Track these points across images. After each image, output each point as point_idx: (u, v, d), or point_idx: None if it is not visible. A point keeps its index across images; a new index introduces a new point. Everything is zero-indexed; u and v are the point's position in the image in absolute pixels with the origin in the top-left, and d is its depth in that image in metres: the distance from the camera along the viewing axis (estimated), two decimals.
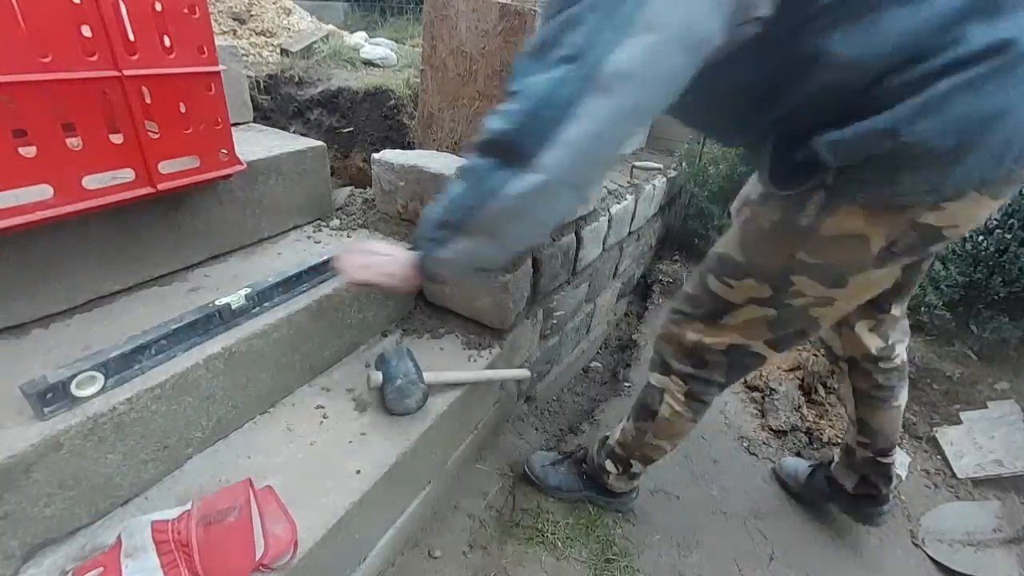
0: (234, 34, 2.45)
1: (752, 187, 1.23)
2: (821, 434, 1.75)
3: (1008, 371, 1.96)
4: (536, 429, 1.77)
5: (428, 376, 1.23)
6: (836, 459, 1.44)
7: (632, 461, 1.31)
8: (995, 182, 0.74)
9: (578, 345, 2.13)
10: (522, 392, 1.78)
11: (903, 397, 1.27)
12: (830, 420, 1.82)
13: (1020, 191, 1.90)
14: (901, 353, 1.22)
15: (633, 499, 1.46)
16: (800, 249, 0.86)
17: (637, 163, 2.31)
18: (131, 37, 0.92)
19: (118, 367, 0.90)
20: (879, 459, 1.31)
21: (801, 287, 0.90)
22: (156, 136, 1.00)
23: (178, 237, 1.21)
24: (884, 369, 1.22)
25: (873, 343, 1.19)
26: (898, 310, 1.17)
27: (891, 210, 0.78)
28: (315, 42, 2.53)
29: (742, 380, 2.01)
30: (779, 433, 1.78)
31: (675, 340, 1.11)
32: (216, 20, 2.37)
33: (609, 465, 1.36)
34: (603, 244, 1.93)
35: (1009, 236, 1.88)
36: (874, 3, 0.65)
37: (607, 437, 1.38)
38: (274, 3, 2.67)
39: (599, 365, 2.27)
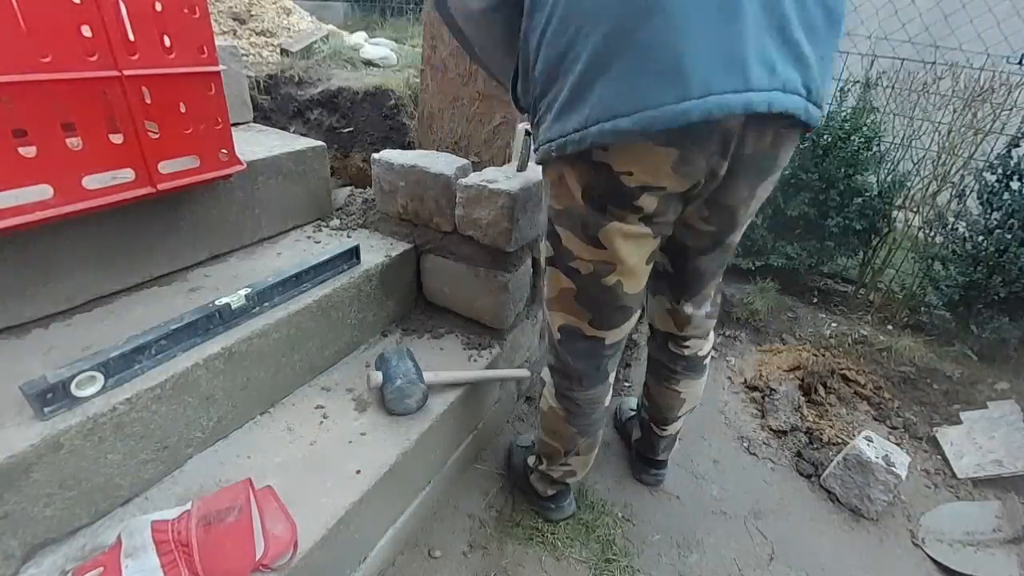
0: (234, 34, 2.45)
1: None
2: (821, 434, 1.75)
3: (1008, 371, 1.96)
4: (536, 429, 1.76)
5: (428, 376, 1.23)
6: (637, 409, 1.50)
7: (541, 456, 1.29)
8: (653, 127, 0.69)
9: None
10: (522, 392, 1.78)
11: (687, 388, 1.26)
12: (830, 420, 1.82)
13: (1020, 191, 1.90)
14: (694, 347, 1.21)
15: (553, 510, 1.35)
16: (548, 194, 0.91)
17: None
18: (131, 37, 0.92)
19: (118, 367, 0.90)
20: (653, 426, 1.37)
21: (567, 242, 0.91)
22: (156, 136, 1.01)
23: (178, 237, 1.21)
24: (671, 351, 1.23)
25: (667, 325, 1.20)
26: (689, 307, 1.13)
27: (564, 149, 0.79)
28: (315, 42, 2.53)
29: (743, 381, 2.01)
30: (779, 433, 1.78)
31: (547, 331, 1.11)
32: (216, 20, 2.37)
33: (530, 458, 1.37)
34: None
35: (1009, 236, 1.88)
36: None
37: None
38: (274, 3, 2.67)
39: None
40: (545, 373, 1.17)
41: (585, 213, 0.85)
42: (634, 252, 0.88)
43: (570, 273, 0.94)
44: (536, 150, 0.85)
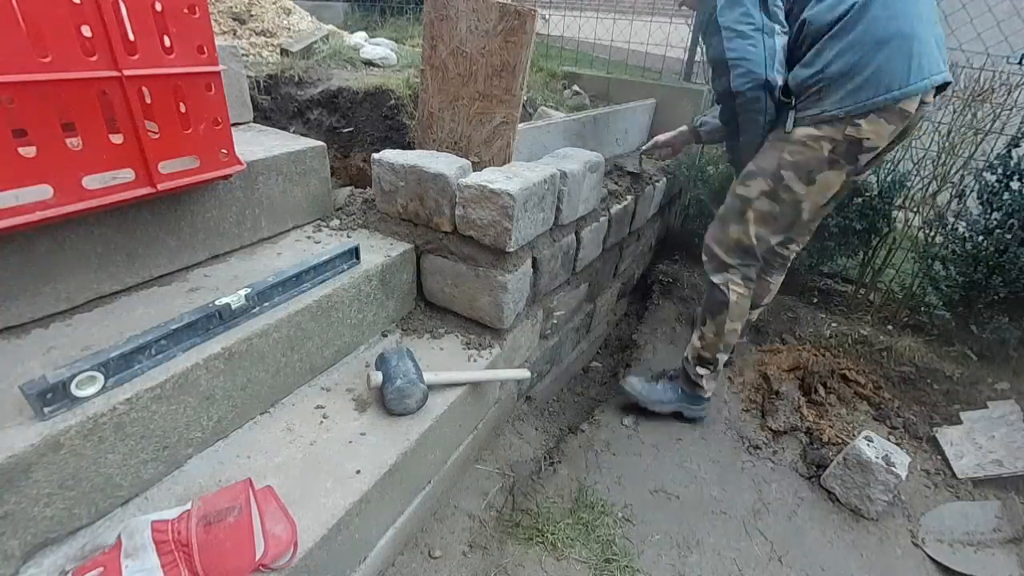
0: (234, 34, 2.44)
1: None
2: (821, 434, 1.75)
3: (1008, 371, 1.96)
4: (536, 429, 1.77)
5: (428, 376, 1.23)
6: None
7: (717, 356, 1.69)
8: (885, 109, 1.29)
9: (578, 345, 2.13)
10: (522, 392, 1.78)
11: (776, 280, 1.98)
12: (830, 420, 1.82)
13: (1020, 191, 1.90)
14: (792, 251, 1.89)
15: (709, 402, 1.81)
16: (784, 151, 1.42)
17: (644, 148, 2.43)
18: (131, 37, 0.92)
19: (118, 367, 0.90)
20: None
21: (788, 181, 1.43)
22: (156, 136, 1.00)
23: (178, 237, 1.21)
24: (777, 251, 1.86)
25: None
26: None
27: (828, 123, 1.34)
28: (315, 42, 2.52)
29: (743, 381, 2.02)
30: (779, 433, 1.78)
31: (723, 241, 1.60)
32: (216, 20, 2.37)
33: (700, 370, 1.72)
34: (603, 244, 1.93)
35: (1009, 236, 1.88)
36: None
37: (686, 356, 1.76)
38: (274, 3, 2.66)
39: (599, 365, 2.27)
40: (723, 276, 1.62)
41: (822, 163, 1.39)
42: (829, 192, 1.46)
43: (778, 201, 1.47)
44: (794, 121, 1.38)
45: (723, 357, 1.70)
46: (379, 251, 1.43)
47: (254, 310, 1.12)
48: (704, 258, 1.68)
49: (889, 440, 1.68)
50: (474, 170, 1.44)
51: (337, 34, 2.73)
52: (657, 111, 2.88)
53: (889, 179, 2.19)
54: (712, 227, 1.65)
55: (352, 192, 1.72)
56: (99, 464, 0.88)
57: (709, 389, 1.75)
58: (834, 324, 2.26)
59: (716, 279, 1.63)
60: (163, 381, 0.94)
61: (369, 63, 2.57)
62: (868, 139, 1.32)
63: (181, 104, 1.03)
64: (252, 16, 2.55)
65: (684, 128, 1.95)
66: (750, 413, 1.88)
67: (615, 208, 1.92)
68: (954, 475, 1.67)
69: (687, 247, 2.73)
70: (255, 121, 1.68)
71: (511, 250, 1.35)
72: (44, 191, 0.88)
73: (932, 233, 2.16)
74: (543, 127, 1.99)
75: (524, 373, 1.51)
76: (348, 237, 1.50)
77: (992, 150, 2.09)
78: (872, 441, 1.54)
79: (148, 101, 0.97)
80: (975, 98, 2.02)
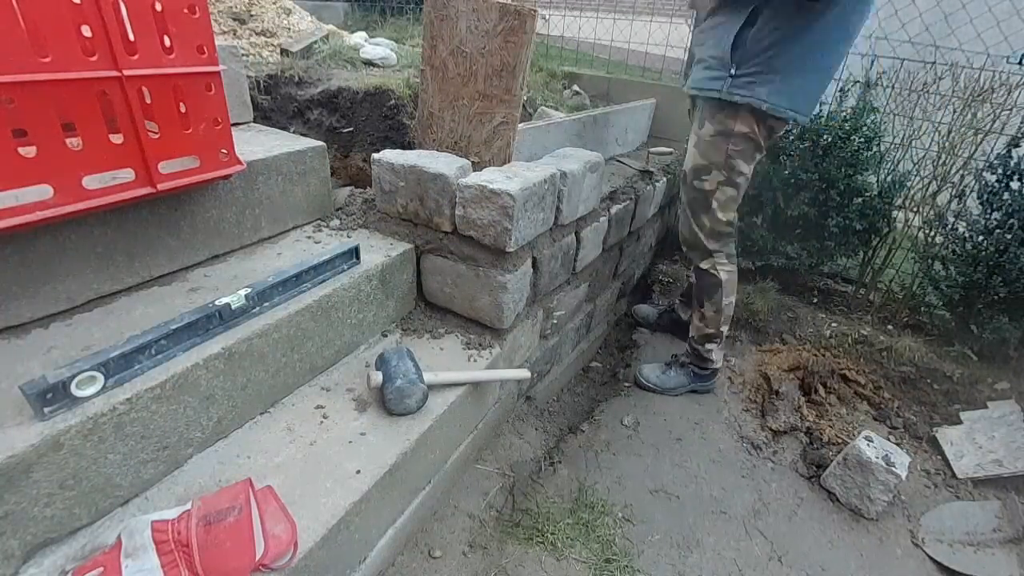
0: (234, 34, 2.44)
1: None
2: (821, 434, 1.75)
3: (1008, 371, 1.96)
4: (536, 429, 1.77)
5: (428, 376, 1.23)
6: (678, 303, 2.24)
7: (721, 329, 1.83)
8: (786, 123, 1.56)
9: (578, 345, 2.13)
10: (522, 392, 1.78)
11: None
12: (830, 420, 1.82)
13: (1020, 191, 1.90)
14: None
15: (717, 372, 1.95)
16: (728, 144, 1.57)
17: (652, 149, 2.51)
18: (131, 37, 0.92)
19: (118, 367, 0.90)
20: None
21: (738, 167, 1.59)
22: (156, 136, 1.00)
23: (178, 237, 1.21)
24: None
25: None
26: None
27: (760, 119, 1.51)
28: (315, 42, 2.53)
29: (743, 381, 2.02)
30: (779, 433, 1.78)
31: (699, 232, 1.72)
32: (216, 20, 2.37)
33: (709, 346, 1.85)
34: (603, 244, 1.93)
35: (1009, 236, 1.88)
36: None
37: (692, 337, 1.88)
38: (274, 3, 2.66)
39: (599, 365, 2.27)
40: (708, 261, 1.75)
41: (759, 149, 1.58)
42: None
43: (733, 185, 1.63)
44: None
45: (725, 328, 1.85)
46: (379, 251, 1.43)
47: (254, 310, 1.12)
48: (685, 250, 1.83)
49: (889, 440, 1.68)
50: (474, 170, 1.44)
51: (337, 34, 2.73)
52: (657, 111, 2.88)
53: (889, 179, 2.20)
54: (683, 223, 1.78)
55: (352, 192, 1.72)
56: (99, 464, 0.88)
57: (718, 359, 1.90)
58: (834, 324, 2.26)
59: (704, 265, 1.77)
60: (163, 381, 0.94)
61: (369, 63, 2.57)
62: (775, 133, 1.59)
63: (181, 104, 1.03)
64: (252, 16, 2.55)
65: None
66: (750, 413, 1.88)
67: (615, 208, 1.92)
68: (954, 475, 1.67)
69: None
70: (255, 121, 1.68)
71: (511, 250, 1.35)
72: (44, 191, 0.88)
73: (932, 233, 2.16)
74: (543, 127, 1.99)
75: (524, 373, 1.51)
76: (348, 237, 1.50)
77: (992, 150, 2.09)
78: (872, 441, 1.54)
79: (148, 101, 0.97)
80: (975, 98, 2.02)
